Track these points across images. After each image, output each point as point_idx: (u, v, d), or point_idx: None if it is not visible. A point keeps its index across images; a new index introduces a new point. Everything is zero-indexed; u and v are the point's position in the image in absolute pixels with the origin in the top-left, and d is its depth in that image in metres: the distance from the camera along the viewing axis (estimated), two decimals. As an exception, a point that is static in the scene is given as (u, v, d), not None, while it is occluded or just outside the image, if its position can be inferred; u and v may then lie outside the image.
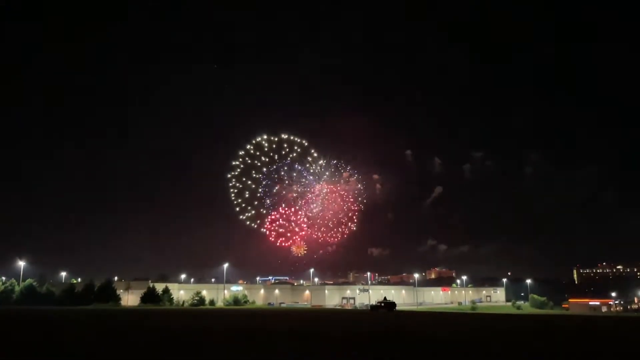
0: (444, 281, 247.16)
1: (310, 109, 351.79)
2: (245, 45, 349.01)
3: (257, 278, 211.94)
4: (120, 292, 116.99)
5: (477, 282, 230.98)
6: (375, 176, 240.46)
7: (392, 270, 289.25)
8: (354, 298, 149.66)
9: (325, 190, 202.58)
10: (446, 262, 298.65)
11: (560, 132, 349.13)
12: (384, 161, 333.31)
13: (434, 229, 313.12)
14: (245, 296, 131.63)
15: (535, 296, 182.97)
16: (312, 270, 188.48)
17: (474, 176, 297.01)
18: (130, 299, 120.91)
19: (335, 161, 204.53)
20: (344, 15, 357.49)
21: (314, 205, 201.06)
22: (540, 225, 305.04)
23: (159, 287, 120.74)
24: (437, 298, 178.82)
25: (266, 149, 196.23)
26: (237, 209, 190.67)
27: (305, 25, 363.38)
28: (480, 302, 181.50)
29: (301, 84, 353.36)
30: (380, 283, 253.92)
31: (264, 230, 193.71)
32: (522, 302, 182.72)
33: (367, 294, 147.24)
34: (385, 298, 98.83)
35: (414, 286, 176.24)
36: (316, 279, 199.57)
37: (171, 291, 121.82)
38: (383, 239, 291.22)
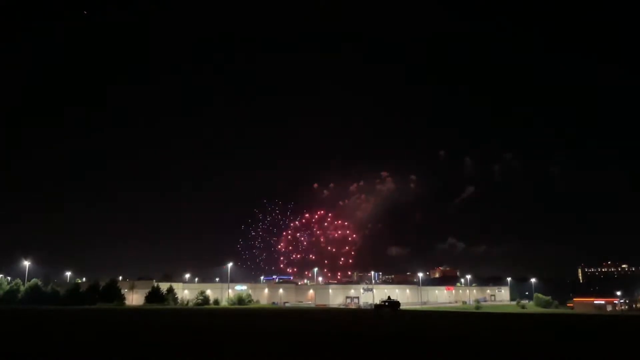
0: (447, 280, 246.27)
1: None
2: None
3: (262, 277, 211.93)
4: (124, 291, 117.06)
5: (481, 281, 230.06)
6: (412, 176, 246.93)
7: (407, 269, 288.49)
8: (358, 297, 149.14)
9: None
10: (463, 262, 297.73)
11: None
12: (418, 161, 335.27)
13: (456, 228, 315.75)
14: (249, 295, 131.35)
15: (540, 295, 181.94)
16: (315, 269, 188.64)
17: (503, 177, 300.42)
18: (134, 298, 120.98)
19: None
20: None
21: None
22: (546, 225, 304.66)
23: (164, 286, 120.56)
24: (441, 297, 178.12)
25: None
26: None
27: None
28: (485, 301, 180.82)
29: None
30: (384, 282, 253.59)
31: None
32: (527, 301, 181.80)
33: (371, 294, 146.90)
34: (389, 297, 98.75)
35: (418, 285, 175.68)
36: (320, 278, 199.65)
37: (175, 290, 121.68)
38: (406, 238, 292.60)
